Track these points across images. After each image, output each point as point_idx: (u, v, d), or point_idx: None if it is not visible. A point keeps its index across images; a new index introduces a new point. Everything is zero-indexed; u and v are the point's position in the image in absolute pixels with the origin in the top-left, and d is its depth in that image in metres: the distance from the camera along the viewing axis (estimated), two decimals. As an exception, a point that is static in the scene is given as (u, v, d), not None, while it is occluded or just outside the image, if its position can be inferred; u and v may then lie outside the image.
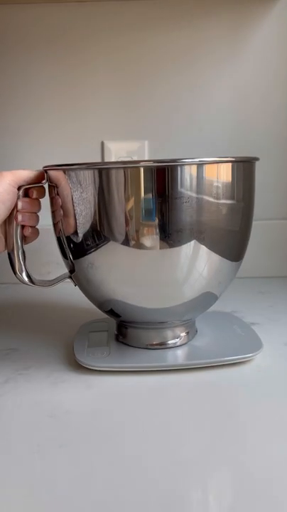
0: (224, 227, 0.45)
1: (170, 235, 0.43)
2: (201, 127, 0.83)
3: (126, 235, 0.43)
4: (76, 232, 0.45)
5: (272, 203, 0.85)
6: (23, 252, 0.49)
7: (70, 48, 0.81)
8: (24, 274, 0.49)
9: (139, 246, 0.43)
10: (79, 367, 0.47)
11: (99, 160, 0.85)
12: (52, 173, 0.46)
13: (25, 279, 0.49)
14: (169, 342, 0.50)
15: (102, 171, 0.42)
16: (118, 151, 0.85)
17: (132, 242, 0.43)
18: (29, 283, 0.50)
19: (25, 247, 0.49)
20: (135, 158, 0.84)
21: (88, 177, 0.43)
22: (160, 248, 0.43)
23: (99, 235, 0.44)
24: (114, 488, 0.31)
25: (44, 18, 0.79)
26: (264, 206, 0.83)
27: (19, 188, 0.47)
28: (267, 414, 0.39)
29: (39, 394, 0.43)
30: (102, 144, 0.84)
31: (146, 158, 0.84)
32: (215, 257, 0.45)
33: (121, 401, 0.42)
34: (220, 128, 0.83)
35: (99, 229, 0.43)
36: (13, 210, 0.47)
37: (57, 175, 0.45)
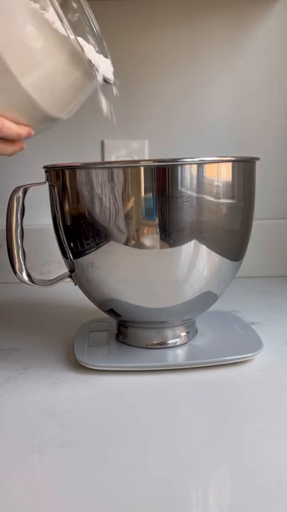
0: (225, 226, 0.45)
1: (170, 234, 0.43)
2: (201, 127, 0.83)
3: (126, 235, 0.43)
4: (76, 232, 0.45)
5: (272, 202, 0.85)
6: (23, 252, 0.49)
7: None
8: (24, 274, 0.49)
9: (139, 246, 0.43)
10: (79, 366, 0.47)
11: (99, 159, 0.85)
12: (53, 173, 0.46)
13: (25, 278, 0.49)
14: (169, 342, 0.49)
15: (102, 171, 0.42)
16: (118, 151, 0.84)
17: (132, 242, 0.43)
18: (29, 282, 0.49)
19: (26, 246, 0.49)
20: (135, 158, 0.84)
21: (88, 177, 0.43)
22: (161, 248, 0.43)
23: (99, 234, 0.44)
24: (114, 488, 0.31)
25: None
26: (264, 206, 0.83)
27: (19, 188, 0.47)
28: (267, 413, 0.39)
29: (39, 393, 0.43)
30: (102, 143, 0.84)
31: (146, 158, 0.84)
32: (215, 257, 0.45)
33: (122, 401, 0.42)
34: (220, 127, 0.83)
35: (99, 228, 0.43)
36: (13, 215, 0.47)
37: (57, 175, 0.45)
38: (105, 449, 0.35)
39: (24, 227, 0.48)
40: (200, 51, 0.81)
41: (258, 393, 0.43)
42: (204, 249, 0.44)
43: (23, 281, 0.49)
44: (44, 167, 0.47)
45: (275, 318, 0.61)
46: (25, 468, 0.33)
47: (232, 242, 0.47)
